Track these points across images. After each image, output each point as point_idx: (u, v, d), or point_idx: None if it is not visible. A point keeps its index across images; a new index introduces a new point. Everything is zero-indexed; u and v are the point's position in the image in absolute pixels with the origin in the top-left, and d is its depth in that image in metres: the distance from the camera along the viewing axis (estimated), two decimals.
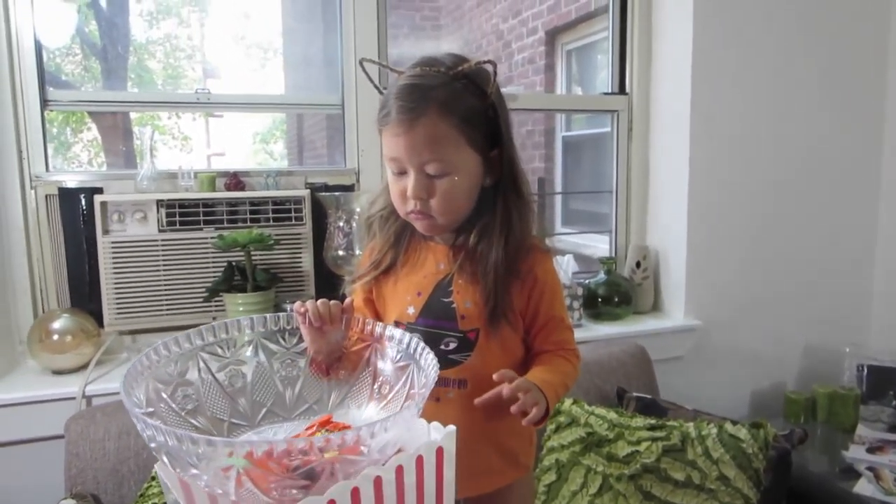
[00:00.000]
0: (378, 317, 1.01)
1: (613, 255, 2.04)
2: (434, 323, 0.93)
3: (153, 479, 1.22)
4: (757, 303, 1.96)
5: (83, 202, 1.52)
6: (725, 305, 1.93)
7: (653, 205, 2.01)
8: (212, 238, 1.53)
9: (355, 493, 0.62)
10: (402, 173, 0.91)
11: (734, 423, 1.41)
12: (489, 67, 0.91)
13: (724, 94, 1.85)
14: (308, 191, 1.64)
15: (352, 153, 1.77)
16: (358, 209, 1.65)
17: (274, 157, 5.88)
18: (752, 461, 1.34)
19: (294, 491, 0.61)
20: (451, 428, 0.71)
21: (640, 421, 1.44)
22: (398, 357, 0.81)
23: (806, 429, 1.46)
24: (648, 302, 1.97)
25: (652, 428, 1.42)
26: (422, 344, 0.78)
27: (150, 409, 0.71)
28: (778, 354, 2.03)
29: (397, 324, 0.96)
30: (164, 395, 0.73)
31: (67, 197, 1.53)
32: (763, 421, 1.39)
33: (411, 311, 0.95)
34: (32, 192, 1.53)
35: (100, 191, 1.53)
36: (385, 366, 0.82)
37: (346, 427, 0.73)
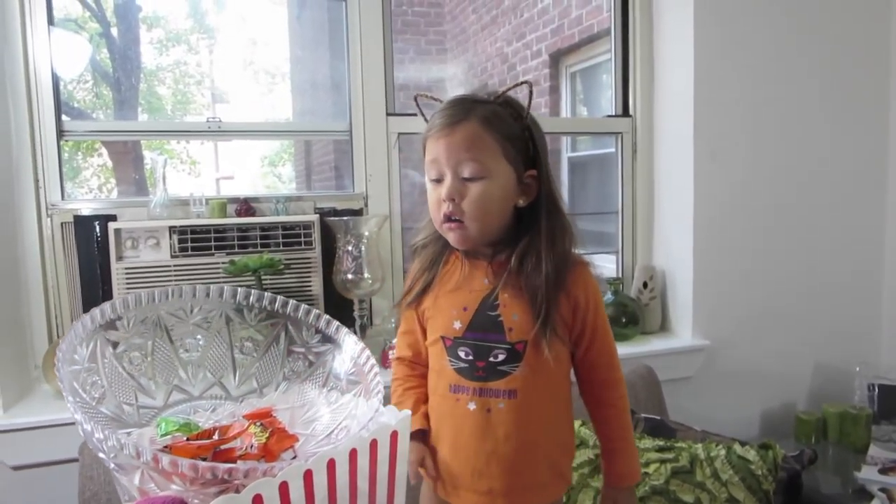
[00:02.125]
0: (420, 337, 1.05)
1: (620, 275, 2.05)
2: (482, 336, 0.96)
3: None
4: (765, 322, 1.96)
5: (97, 229, 1.55)
6: (733, 325, 1.93)
7: (658, 225, 2.03)
8: (223, 263, 1.55)
9: (308, 476, 0.60)
10: (439, 180, 0.95)
11: (742, 444, 1.40)
12: (524, 88, 0.97)
13: (727, 113, 1.87)
14: (317, 216, 1.67)
15: (360, 178, 1.80)
16: (366, 233, 1.67)
17: (282, 179, 5.94)
18: (762, 483, 1.34)
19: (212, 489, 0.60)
20: (406, 412, 0.72)
21: (648, 442, 1.44)
22: (312, 337, 0.84)
23: (817, 449, 1.46)
24: (656, 322, 1.97)
25: (660, 450, 1.42)
26: (343, 329, 0.83)
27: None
28: (787, 374, 2.02)
29: (444, 339, 0.99)
30: (76, 385, 0.71)
31: (82, 224, 1.56)
32: (771, 442, 1.39)
33: (458, 325, 0.97)
34: (48, 219, 1.56)
35: (113, 218, 1.56)
36: (294, 346, 0.84)
37: (284, 433, 0.72)
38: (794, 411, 1.95)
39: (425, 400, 1.04)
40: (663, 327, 1.99)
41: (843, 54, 1.98)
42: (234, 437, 0.70)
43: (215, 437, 0.70)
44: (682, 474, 1.38)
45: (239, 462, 0.67)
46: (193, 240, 1.57)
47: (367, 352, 0.80)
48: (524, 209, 0.98)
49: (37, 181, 1.55)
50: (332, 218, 1.68)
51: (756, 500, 1.33)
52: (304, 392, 0.82)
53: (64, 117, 1.60)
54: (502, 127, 0.94)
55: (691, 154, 1.86)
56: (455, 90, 5.08)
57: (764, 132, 1.92)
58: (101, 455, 0.60)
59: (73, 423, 1.36)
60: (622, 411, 1.02)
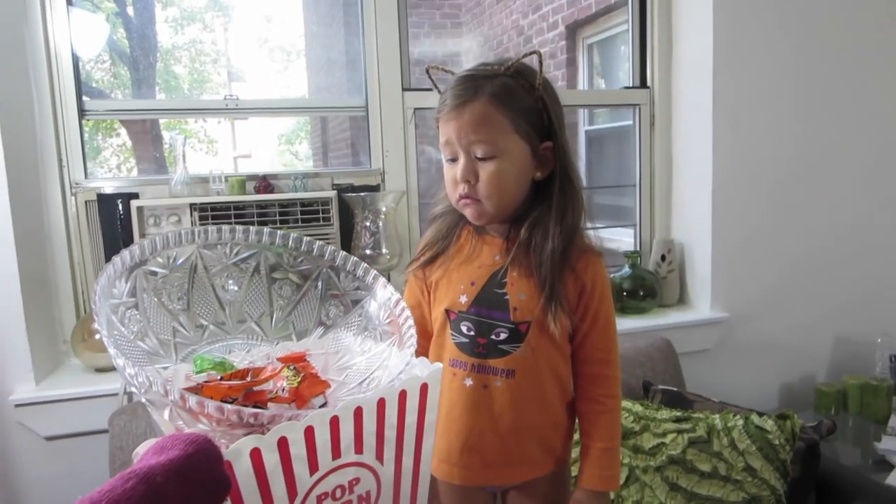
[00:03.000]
0: (427, 310, 1.04)
1: (638, 248, 2.04)
2: (486, 312, 0.96)
3: None
4: (785, 294, 1.95)
5: (120, 207, 1.58)
6: (752, 297, 1.92)
7: (677, 198, 2.01)
8: None
9: (335, 422, 0.60)
10: (453, 160, 0.94)
11: (760, 414, 1.41)
12: (535, 58, 0.95)
13: (746, 83, 1.85)
14: (335, 192, 1.68)
15: (377, 154, 1.80)
16: (384, 209, 1.68)
17: (299, 157, 5.96)
18: (779, 452, 1.34)
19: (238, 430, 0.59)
20: (438, 365, 0.70)
21: (665, 413, 1.45)
22: (350, 284, 0.83)
23: (837, 421, 1.46)
24: (674, 295, 1.97)
25: (678, 420, 1.43)
26: (381, 279, 0.82)
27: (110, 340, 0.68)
28: (807, 346, 2.01)
29: (448, 312, 0.98)
30: (115, 319, 0.71)
31: (105, 202, 1.58)
32: (790, 412, 1.39)
33: (463, 299, 0.97)
34: (73, 198, 1.59)
35: (135, 196, 1.58)
36: (332, 292, 0.83)
37: (317, 379, 0.72)
38: (814, 383, 1.95)
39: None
40: (681, 300, 1.99)
41: (866, 22, 1.93)
42: (267, 380, 0.71)
43: (248, 378, 0.71)
44: (700, 444, 1.39)
45: (270, 405, 0.68)
46: (214, 217, 1.59)
47: (403, 303, 0.79)
48: (542, 182, 0.96)
49: (60, 160, 1.57)
50: (350, 194, 1.69)
51: (773, 469, 1.34)
52: (339, 338, 0.82)
53: (84, 97, 1.62)
54: (513, 101, 0.92)
55: (710, 125, 1.84)
56: (470, 64, 5.02)
57: (784, 102, 1.89)
58: (133, 389, 0.62)
59: (102, 396, 1.40)
60: (612, 411, 1.00)
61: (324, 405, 0.70)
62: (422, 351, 1.03)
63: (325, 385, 0.72)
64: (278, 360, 0.75)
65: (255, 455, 0.57)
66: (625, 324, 1.82)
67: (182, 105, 1.88)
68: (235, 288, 0.81)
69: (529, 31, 4.06)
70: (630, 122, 2.07)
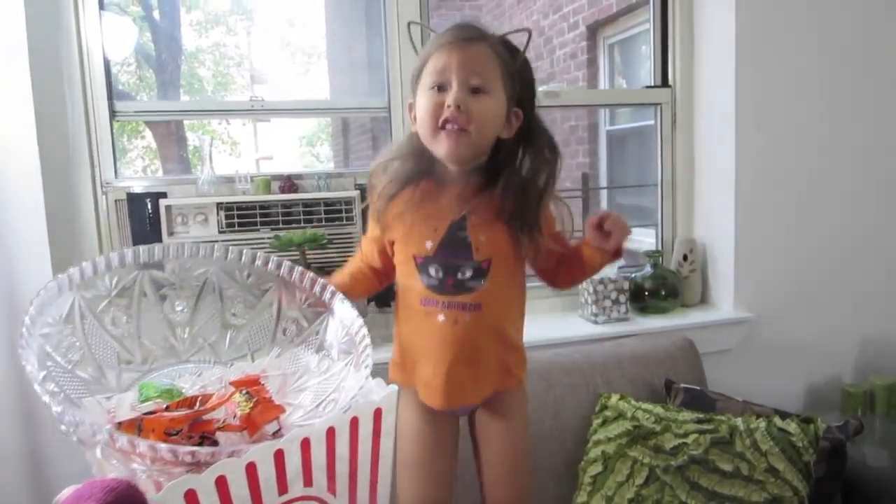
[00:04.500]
0: (384, 255, 1.14)
1: (660, 248, 2.04)
2: (451, 254, 1.05)
3: None
4: (810, 293, 1.93)
5: (149, 206, 1.61)
6: (776, 297, 1.91)
7: (699, 197, 2.00)
8: (268, 238, 1.60)
9: (279, 455, 0.57)
10: (441, 89, 0.99)
11: (783, 417, 1.40)
12: (524, 35, 1.07)
13: (770, 81, 1.83)
14: (357, 191, 1.70)
15: (408, 96, 1.81)
16: None
17: (320, 159, 6.02)
18: (802, 455, 1.34)
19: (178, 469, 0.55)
20: (393, 388, 0.69)
21: (687, 415, 1.45)
22: (305, 301, 0.81)
23: (864, 422, 1.44)
24: (696, 295, 1.96)
25: (700, 421, 1.43)
26: (339, 295, 0.81)
27: (43, 373, 0.65)
28: (833, 346, 1.99)
29: (415, 258, 1.07)
30: (49, 349, 0.67)
31: (135, 201, 1.62)
32: (813, 416, 1.38)
33: (429, 245, 1.05)
34: (104, 197, 1.63)
35: (164, 195, 1.62)
36: (286, 309, 0.81)
37: (270, 404, 0.68)
38: (841, 384, 1.93)
39: (362, 284, 1.16)
40: (703, 300, 1.98)
41: (893, 20, 1.91)
42: (216, 407, 0.67)
43: (196, 405, 0.67)
44: (722, 445, 1.38)
45: (218, 434, 0.64)
46: (239, 216, 1.62)
47: (361, 320, 0.77)
48: (503, 142, 1.05)
49: (92, 160, 1.61)
50: None
51: (796, 471, 1.33)
52: (297, 357, 0.80)
53: (115, 100, 1.66)
54: (504, 59, 1.02)
55: (733, 124, 1.83)
56: None
57: (808, 100, 1.87)
58: (62, 428, 0.57)
59: None
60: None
61: (277, 432, 0.67)
62: (371, 277, 1.16)
63: (278, 410, 0.69)
64: (231, 384, 0.72)
65: (191, 497, 0.53)
66: (646, 323, 1.81)
67: (208, 106, 1.92)
68: (185, 308, 0.78)
69: (550, 31, 4.06)
70: (651, 122, 2.06)
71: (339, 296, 0.81)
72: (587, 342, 1.71)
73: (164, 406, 0.67)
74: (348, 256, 1.68)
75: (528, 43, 1.05)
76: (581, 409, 1.52)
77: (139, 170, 3.95)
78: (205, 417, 0.65)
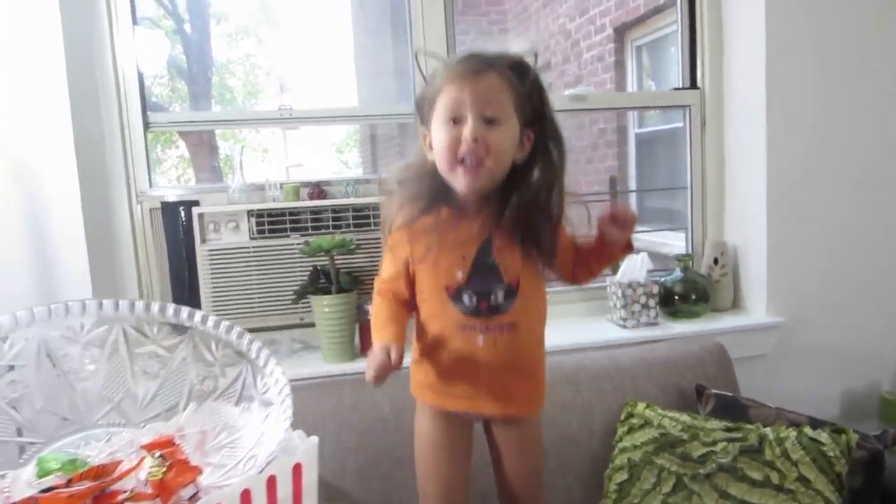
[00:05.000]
0: (412, 291, 1.14)
1: (690, 251, 2.01)
2: (482, 280, 1.08)
3: None
4: (845, 297, 1.89)
5: (182, 214, 1.65)
6: (811, 301, 1.87)
7: (730, 200, 1.98)
8: (298, 244, 1.63)
9: None
10: (455, 122, 1.01)
11: (818, 425, 1.37)
12: (530, 59, 1.07)
13: (801, 81, 1.80)
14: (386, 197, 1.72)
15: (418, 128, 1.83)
16: None
17: (348, 166, 6.08)
18: (834, 465, 1.30)
19: None
20: (313, 440, 0.66)
21: (715, 423, 1.43)
22: (221, 350, 0.75)
23: None
24: (728, 299, 1.93)
25: (728, 430, 1.41)
26: (256, 342, 0.76)
27: None
28: (871, 352, 1.94)
29: (447, 288, 1.09)
30: None
31: (169, 210, 1.66)
32: (846, 426, 1.35)
33: (459, 274, 1.08)
34: (139, 206, 1.67)
35: (196, 203, 1.65)
36: (201, 361, 0.75)
37: (185, 466, 0.63)
38: (879, 391, 1.88)
39: (404, 324, 1.13)
40: (735, 304, 1.95)
41: None
42: (123, 476, 0.62)
43: (105, 476, 0.62)
44: (751, 453, 1.36)
45: None
46: (270, 222, 1.65)
47: (280, 369, 0.73)
48: (517, 165, 1.07)
49: (127, 170, 1.66)
50: None
51: (828, 482, 1.30)
52: (216, 412, 0.74)
53: (149, 112, 1.71)
54: (514, 83, 1.03)
55: (764, 125, 1.80)
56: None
57: (841, 99, 1.83)
58: None
59: None
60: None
61: (194, 496, 0.63)
62: (404, 315, 1.15)
63: (195, 472, 0.65)
64: (142, 447, 0.67)
65: None
66: (676, 328, 1.79)
67: (239, 116, 1.95)
68: (91, 369, 0.72)
69: (577, 34, 4.05)
70: (681, 124, 2.04)
71: (258, 344, 0.76)
72: (616, 347, 1.69)
73: (66, 480, 0.61)
74: (376, 262, 1.70)
75: (535, 63, 1.07)
76: (609, 413, 1.51)
77: (173, 179, 4.04)
78: (113, 488, 0.60)
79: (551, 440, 1.45)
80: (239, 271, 1.63)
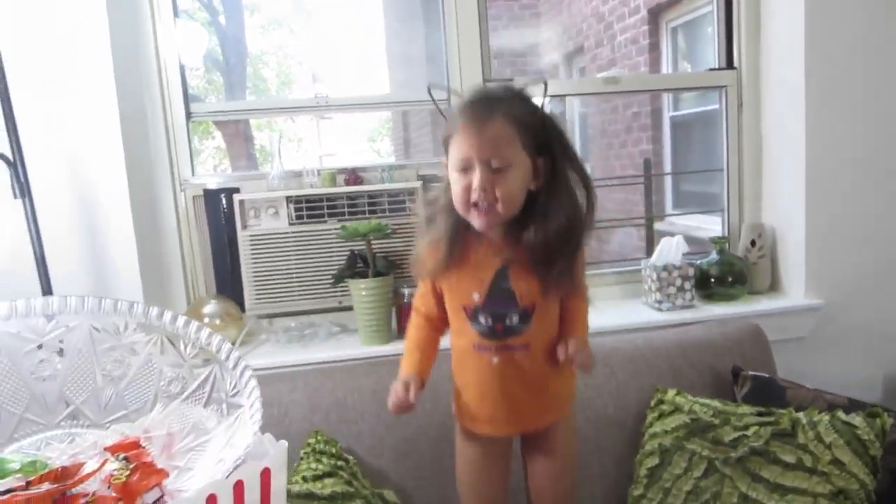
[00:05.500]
0: (441, 303, 1.20)
1: (726, 234, 1.99)
2: (497, 303, 1.13)
3: (301, 458, 1.34)
4: (886, 278, 1.85)
5: (224, 201, 1.70)
6: (851, 283, 1.84)
7: (767, 181, 1.95)
8: (335, 229, 1.67)
9: None
10: (466, 171, 1.07)
11: (856, 408, 1.36)
12: (540, 86, 1.15)
13: (841, 60, 1.76)
14: (420, 182, 1.74)
15: (441, 155, 1.84)
16: None
17: (381, 154, 6.13)
18: (868, 448, 1.30)
19: None
20: (283, 443, 0.65)
21: (746, 409, 1.42)
22: (191, 350, 0.73)
23: None
24: (765, 281, 1.91)
25: (760, 414, 1.40)
26: (227, 344, 0.74)
27: None
28: None
29: (465, 308, 1.15)
30: None
31: (211, 197, 1.71)
32: (879, 410, 1.34)
33: (476, 296, 1.13)
34: (182, 194, 1.73)
35: (237, 191, 1.70)
36: (169, 362, 0.73)
37: (151, 469, 0.61)
38: None
39: (432, 349, 1.22)
40: (773, 287, 1.93)
41: None
42: (84, 479, 0.60)
43: (66, 478, 0.60)
44: (783, 437, 1.35)
45: None
46: (308, 208, 1.69)
47: (250, 371, 0.71)
48: (533, 193, 1.11)
49: (171, 159, 1.71)
50: (435, 184, 1.75)
51: (863, 465, 1.29)
52: (185, 413, 0.72)
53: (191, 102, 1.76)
54: (520, 120, 1.06)
55: (803, 105, 1.77)
56: (549, 55, 5.01)
57: (882, 78, 1.78)
58: None
59: None
60: (579, 303, 1.20)
61: (159, 499, 0.61)
62: (436, 334, 1.23)
63: (160, 475, 0.63)
64: (106, 449, 0.65)
65: None
66: (712, 311, 1.78)
67: (275, 105, 1.99)
68: (53, 368, 0.69)
69: (610, 17, 4.00)
70: (716, 106, 2.02)
71: (228, 345, 0.73)
72: (650, 329, 1.70)
73: (25, 483, 0.59)
74: (411, 246, 1.72)
75: (545, 93, 1.15)
76: (644, 394, 1.51)
77: (210, 168, 4.13)
78: (73, 491, 0.58)
79: (587, 421, 1.47)
80: (279, 256, 1.68)
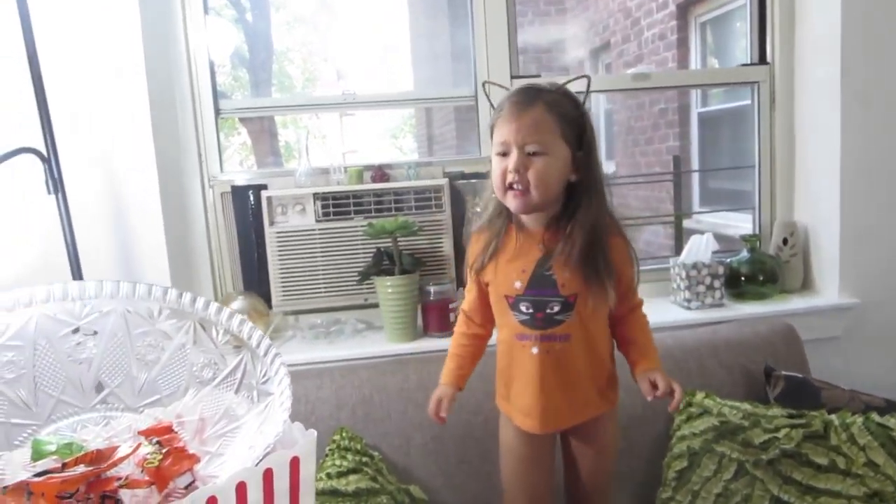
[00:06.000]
0: (484, 298, 1.24)
1: (757, 232, 1.96)
2: (539, 292, 1.15)
3: (326, 455, 1.35)
4: None
5: (251, 198, 1.71)
6: (886, 281, 1.79)
7: (800, 178, 1.91)
8: (362, 226, 1.67)
9: None
10: (505, 154, 1.11)
11: (883, 412, 1.33)
12: (584, 81, 1.19)
13: (879, 54, 1.72)
14: (446, 180, 1.74)
15: (486, 142, 1.84)
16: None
17: (403, 151, 6.13)
18: None
19: None
20: (312, 432, 0.65)
21: (777, 411, 1.40)
22: (223, 337, 0.74)
23: None
24: (797, 280, 1.87)
25: (791, 416, 1.38)
26: (257, 332, 0.75)
27: None
28: None
29: (507, 297, 1.17)
30: None
31: (238, 194, 1.72)
32: None
33: (518, 285, 1.16)
34: (210, 190, 1.74)
35: (264, 187, 1.71)
36: (201, 348, 0.74)
37: (182, 453, 0.62)
38: None
39: (471, 356, 1.26)
40: (805, 286, 1.89)
41: None
42: (118, 462, 0.61)
43: (101, 461, 0.61)
44: (816, 439, 1.33)
45: (123, 492, 0.59)
46: (335, 205, 1.69)
47: (280, 359, 0.72)
48: (574, 185, 1.14)
49: (200, 155, 1.73)
50: (461, 181, 1.74)
51: None
52: (216, 400, 0.73)
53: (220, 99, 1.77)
54: (562, 112, 1.10)
55: (838, 101, 1.73)
56: (575, 51, 4.97)
57: None
58: None
59: None
60: (643, 321, 1.25)
61: (191, 484, 0.62)
62: (477, 341, 1.27)
63: (192, 460, 0.63)
64: (140, 433, 0.66)
65: None
66: (743, 309, 1.75)
67: (304, 101, 2.00)
68: (90, 351, 0.71)
69: (637, 12, 3.95)
70: (746, 102, 1.98)
71: (258, 332, 0.74)
72: (679, 328, 1.67)
73: (61, 464, 0.60)
74: (438, 244, 1.72)
75: (588, 89, 1.19)
76: None
77: (236, 165, 4.17)
78: (108, 474, 0.59)
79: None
80: (305, 253, 1.69)
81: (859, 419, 1.31)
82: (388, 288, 1.60)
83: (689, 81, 2.18)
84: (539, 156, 1.09)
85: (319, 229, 1.68)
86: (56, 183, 1.36)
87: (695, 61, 3.48)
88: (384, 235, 1.61)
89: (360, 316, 1.76)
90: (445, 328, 1.60)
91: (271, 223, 1.67)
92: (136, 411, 0.71)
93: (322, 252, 1.69)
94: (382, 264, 1.65)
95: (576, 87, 1.19)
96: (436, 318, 1.63)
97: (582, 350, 1.17)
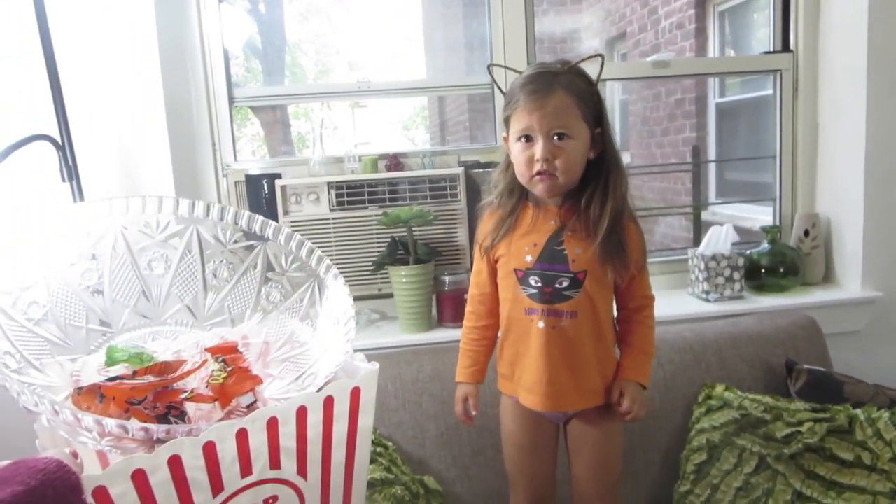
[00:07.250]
0: (494, 277, 1.23)
1: (777, 223, 1.92)
2: (549, 266, 1.15)
3: None
4: None
5: (265, 187, 1.70)
6: None
7: (822, 169, 1.87)
8: (376, 215, 1.65)
9: (242, 435, 0.53)
10: (529, 143, 1.12)
11: None
12: (598, 59, 1.18)
13: None
14: (462, 168, 1.72)
15: (501, 130, 1.81)
16: None
17: (415, 143, 6.11)
18: None
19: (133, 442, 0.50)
20: (375, 366, 0.66)
21: (800, 405, 1.37)
22: (291, 264, 0.74)
23: None
24: (819, 273, 1.84)
25: (814, 410, 1.35)
26: (326, 261, 0.76)
27: None
28: None
29: (516, 271, 1.17)
30: (5, 308, 0.61)
31: (252, 182, 1.71)
32: None
33: (529, 258, 1.16)
34: (224, 178, 1.73)
35: (278, 176, 1.70)
36: (270, 273, 0.74)
37: (246, 374, 0.62)
38: None
39: (483, 348, 1.25)
40: (827, 278, 1.86)
41: None
42: (185, 376, 0.62)
43: (168, 373, 0.63)
44: (840, 433, 1.30)
45: (187, 405, 0.60)
46: (349, 194, 1.67)
47: (347, 290, 0.73)
48: (591, 161, 1.15)
49: (214, 144, 1.72)
50: (476, 170, 1.72)
51: None
52: (281, 325, 0.75)
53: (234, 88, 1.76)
54: (579, 92, 1.11)
55: (864, 90, 1.69)
56: (591, 41, 4.91)
57: None
58: (15, 394, 0.53)
59: None
60: (646, 326, 1.22)
61: (252, 404, 0.63)
62: (487, 332, 1.25)
63: (255, 381, 0.65)
64: (207, 350, 0.67)
65: (139, 478, 0.48)
66: (763, 302, 1.73)
67: (319, 90, 1.99)
68: (163, 268, 0.72)
69: (655, 1, 3.89)
70: (765, 92, 1.94)
71: (327, 263, 0.76)
72: (698, 321, 1.65)
73: (132, 372, 0.62)
74: (453, 233, 1.71)
75: (601, 68, 1.17)
76: (692, 387, 1.47)
77: (249, 154, 4.17)
78: (175, 386, 0.61)
79: None
80: (319, 242, 1.67)
81: (885, 414, 1.29)
82: (402, 278, 1.59)
83: (709, 69, 2.13)
84: (565, 140, 1.10)
85: (333, 218, 1.67)
86: (70, 170, 1.36)
87: (713, 51, 3.42)
88: (399, 225, 1.60)
89: (374, 306, 1.75)
90: (460, 318, 1.57)
91: (285, 212, 1.66)
92: (203, 328, 0.72)
93: (336, 241, 1.68)
94: (397, 254, 1.64)
95: (590, 69, 1.17)
96: (451, 308, 1.62)
97: (589, 332, 1.16)
